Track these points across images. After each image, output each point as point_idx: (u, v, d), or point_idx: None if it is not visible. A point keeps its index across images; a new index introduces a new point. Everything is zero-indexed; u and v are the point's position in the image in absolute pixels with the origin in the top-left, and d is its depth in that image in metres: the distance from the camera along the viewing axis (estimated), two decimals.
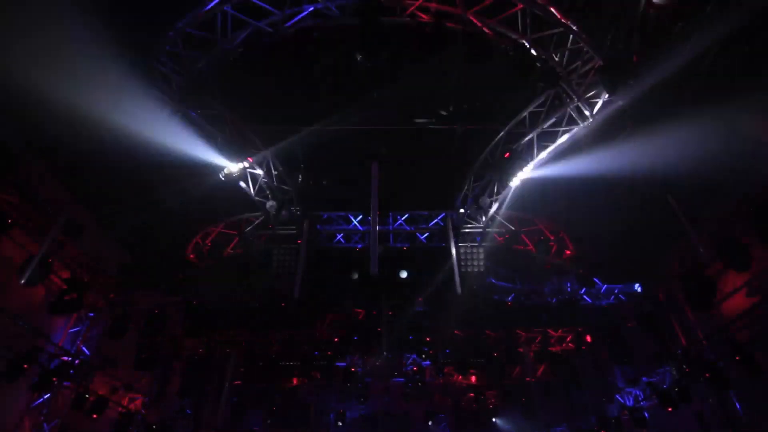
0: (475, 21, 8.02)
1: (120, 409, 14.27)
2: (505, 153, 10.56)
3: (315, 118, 10.24)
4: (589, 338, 17.18)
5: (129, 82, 7.90)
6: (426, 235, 13.77)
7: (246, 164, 10.79)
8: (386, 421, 19.18)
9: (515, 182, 10.98)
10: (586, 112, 9.00)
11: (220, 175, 10.01)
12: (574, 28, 7.85)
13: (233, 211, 13.02)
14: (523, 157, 10.32)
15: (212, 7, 7.76)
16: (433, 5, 8.00)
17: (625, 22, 7.56)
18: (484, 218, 12.97)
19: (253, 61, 8.28)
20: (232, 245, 13.55)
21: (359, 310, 16.15)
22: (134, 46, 7.80)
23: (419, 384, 18.60)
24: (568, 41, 8.06)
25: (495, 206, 12.35)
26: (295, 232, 13.12)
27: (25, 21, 7.58)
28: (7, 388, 10.28)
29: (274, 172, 11.71)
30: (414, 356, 18.05)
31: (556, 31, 7.91)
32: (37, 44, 7.97)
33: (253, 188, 11.52)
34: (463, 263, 12.97)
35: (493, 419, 19.50)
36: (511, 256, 14.17)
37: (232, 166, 10.39)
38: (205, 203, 12.13)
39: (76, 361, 12.48)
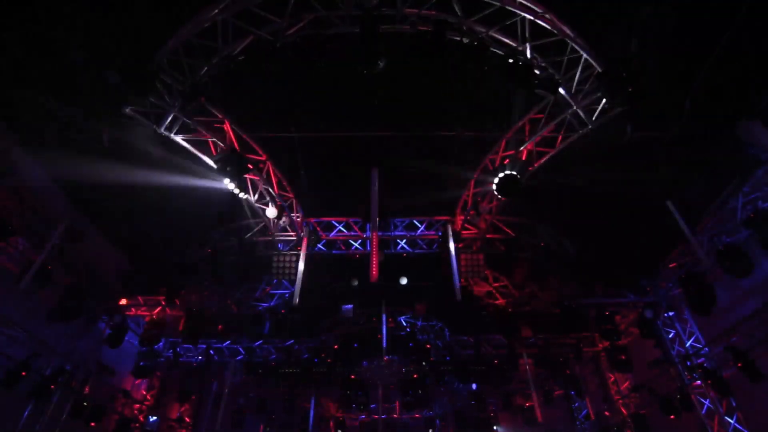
0: (474, 29, 8.08)
1: (118, 416, 14.18)
2: (505, 159, 10.59)
3: (315, 124, 10.28)
4: (590, 344, 17.12)
5: (129, 88, 7.89)
6: (426, 241, 13.76)
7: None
8: (386, 428, 19.05)
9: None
10: (585, 119, 9.04)
11: (224, 183, 9.98)
12: (573, 35, 7.91)
13: (233, 217, 13.01)
14: (522, 163, 10.33)
15: (213, 16, 7.82)
16: (432, 13, 8.07)
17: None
18: (484, 224, 12.97)
19: (254, 69, 8.31)
20: (232, 252, 13.52)
21: (359, 317, 16.11)
22: (134, 53, 7.85)
23: (419, 391, 18.48)
24: (566, 49, 8.12)
25: (495, 212, 12.36)
26: (295, 238, 13.12)
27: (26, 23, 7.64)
28: (5, 395, 10.21)
29: (274, 179, 11.73)
30: (414, 363, 17.94)
31: (554, 39, 7.97)
32: (39, 48, 8.03)
33: (254, 194, 11.53)
34: (463, 270, 12.95)
35: (494, 427, 19.37)
36: (511, 262, 14.15)
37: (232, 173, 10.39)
38: (205, 209, 12.14)
39: (75, 369, 12.42)
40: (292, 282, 13.22)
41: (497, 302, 15.15)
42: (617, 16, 7.74)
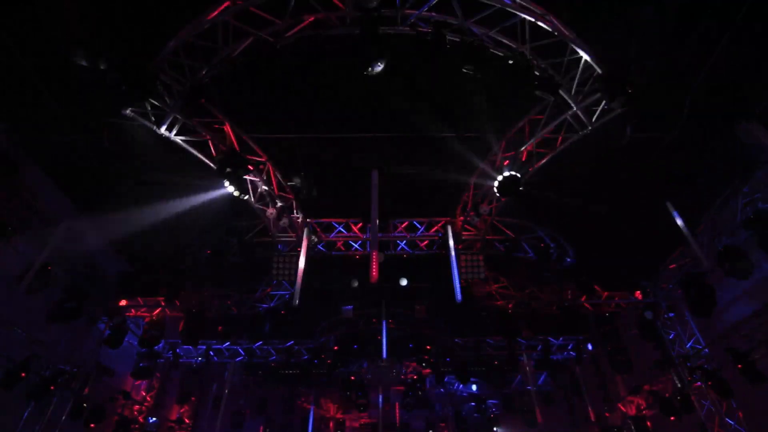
0: (474, 30, 8.09)
1: (117, 417, 14.16)
2: (505, 160, 10.59)
3: (315, 125, 10.28)
4: (590, 346, 17.12)
5: (129, 89, 7.88)
6: (426, 242, 13.75)
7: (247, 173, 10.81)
8: (386, 430, 19.01)
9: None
10: (585, 120, 9.05)
11: (225, 185, 9.96)
12: (573, 37, 7.91)
13: (233, 219, 13.00)
14: (522, 164, 10.35)
15: (213, 17, 7.83)
16: (432, 15, 8.08)
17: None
18: (484, 225, 12.97)
19: (254, 70, 8.32)
20: (231, 253, 13.51)
21: (359, 318, 16.13)
22: (135, 54, 7.86)
23: (419, 393, 18.47)
24: (566, 50, 8.12)
25: (495, 213, 12.36)
26: (295, 239, 13.11)
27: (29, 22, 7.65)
28: (4, 396, 10.20)
29: (274, 180, 11.73)
30: (414, 364, 17.94)
31: (555, 40, 7.97)
32: (39, 48, 8.05)
33: (254, 195, 11.53)
34: (463, 271, 12.95)
35: (494, 428, 19.35)
36: (511, 263, 14.15)
37: (231, 175, 10.38)
38: (205, 210, 12.13)
39: (75, 370, 12.41)
40: (292, 283, 13.23)
41: (497, 303, 15.14)
42: (617, 17, 7.75)
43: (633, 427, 14.59)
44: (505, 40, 8.20)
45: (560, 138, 9.77)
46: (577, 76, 8.39)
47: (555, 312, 14.85)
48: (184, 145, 9.60)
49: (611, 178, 10.53)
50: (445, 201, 12.94)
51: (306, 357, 17.02)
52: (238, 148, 10.28)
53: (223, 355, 17.40)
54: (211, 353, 16.87)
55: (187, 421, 17.50)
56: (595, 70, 8.07)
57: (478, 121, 10.04)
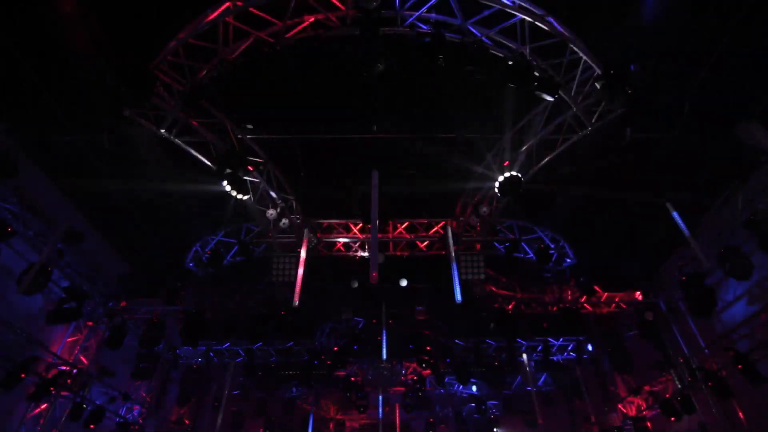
0: (474, 31, 8.10)
1: (117, 419, 14.14)
2: (505, 161, 10.58)
3: (315, 126, 10.28)
4: (590, 347, 17.11)
5: (128, 90, 7.88)
6: (426, 243, 13.75)
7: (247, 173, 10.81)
8: (386, 430, 18.99)
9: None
10: (585, 121, 9.05)
11: (224, 185, 9.96)
12: (573, 38, 7.92)
13: (233, 219, 13.00)
14: (522, 165, 10.35)
15: (213, 17, 7.83)
16: (432, 15, 8.09)
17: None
18: (484, 226, 12.97)
19: (254, 70, 8.32)
20: (231, 253, 13.52)
21: (359, 319, 16.14)
22: (135, 54, 7.86)
23: (419, 394, 18.46)
24: (566, 50, 8.13)
25: (495, 214, 12.36)
26: (294, 240, 13.10)
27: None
28: (4, 397, 10.19)
29: (274, 180, 11.73)
30: (414, 365, 17.93)
31: (554, 40, 7.97)
32: (39, 49, 8.05)
33: (254, 196, 11.53)
34: (463, 271, 12.94)
35: (495, 429, 19.33)
36: (511, 264, 14.14)
37: (231, 175, 10.37)
38: (205, 211, 12.14)
39: (74, 371, 12.40)
40: (292, 284, 13.20)
41: (497, 304, 15.12)
42: (617, 17, 7.75)
43: (633, 428, 14.57)
44: (504, 41, 8.20)
45: (560, 138, 9.77)
46: (577, 76, 8.39)
47: (555, 312, 14.84)
48: (184, 146, 9.60)
49: (611, 179, 10.53)
50: (445, 201, 12.94)
51: (306, 358, 16.99)
52: (238, 149, 10.28)
53: (223, 356, 17.38)
54: (211, 354, 16.85)
55: (186, 422, 17.48)
56: (594, 70, 8.08)
57: (479, 121, 10.05)
